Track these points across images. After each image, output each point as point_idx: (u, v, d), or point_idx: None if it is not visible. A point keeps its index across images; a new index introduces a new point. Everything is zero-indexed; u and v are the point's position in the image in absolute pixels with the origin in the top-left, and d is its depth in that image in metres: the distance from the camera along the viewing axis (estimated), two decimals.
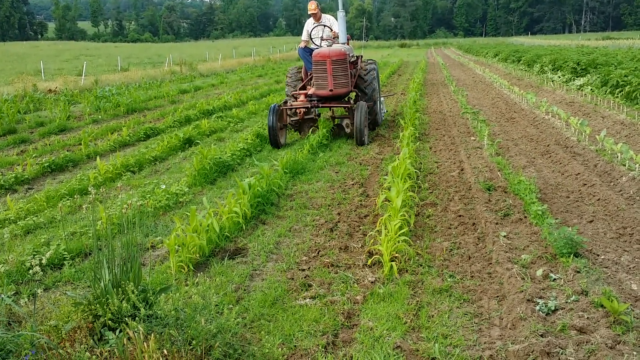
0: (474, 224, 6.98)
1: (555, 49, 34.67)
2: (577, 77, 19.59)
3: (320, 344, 4.34)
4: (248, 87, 26.42)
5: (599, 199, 7.60)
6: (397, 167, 8.10)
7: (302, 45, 13.45)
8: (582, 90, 17.68)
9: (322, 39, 12.87)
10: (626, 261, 5.61)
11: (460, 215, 7.31)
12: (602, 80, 16.72)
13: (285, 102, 12.51)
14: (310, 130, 12.80)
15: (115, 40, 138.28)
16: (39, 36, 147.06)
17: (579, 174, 8.82)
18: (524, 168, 9.40)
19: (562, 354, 3.97)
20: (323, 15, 13.32)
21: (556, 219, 6.71)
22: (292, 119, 12.77)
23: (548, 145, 11.09)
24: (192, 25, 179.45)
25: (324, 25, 13.09)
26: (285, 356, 4.19)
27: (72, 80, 27.72)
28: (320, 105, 12.03)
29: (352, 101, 12.82)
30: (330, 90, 11.79)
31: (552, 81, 20.90)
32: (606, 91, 16.24)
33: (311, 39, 13.26)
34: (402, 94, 21.62)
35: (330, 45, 12.29)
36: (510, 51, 37.84)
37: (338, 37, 12.87)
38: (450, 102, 18.53)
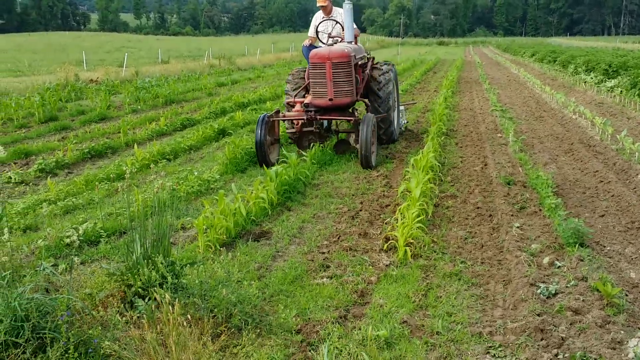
0: (490, 215, 7.27)
1: (590, 51, 34.33)
2: (608, 78, 19.53)
3: (332, 316, 4.69)
4: (284, 81, 26.78)
5: (613, 195, 7.81)
6: (419, 160, 8.40)
7: (306, 43, 11.54)
8: (612, 92, 17.68)
9: (330, 36, 10.96)
10: (630, 252, 5.87)
11: (478, 207, 7.59)
12: (631, 82, 16.70)
13: (277, 112, 10.52)
14: (311, 145, 10.53)
15: (156, 33, 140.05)
16: (82, 27, 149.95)
17: (597, 171, 9.01)
18: (546, 165, 9.61)
19: (554, 330, 4.27)
20: (335, 8, 11.43)
21: (570, 212, 6.96)
22: (288, 131, 11.07)
23: (572, 144, 11.26)
24: (232, 20, 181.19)
25: (335, 21, 11.23)
26: (299, 326, 4.55)
27: (114, 71, 28.49)
28: (319, 117, 10.14)
29: (357, 113, 10.48)
30: (330, 100, 9.90)
31: (585, 82, 20.86)
32: (635, 93, 16.25)
33: (318, 36, 11.38)
34: (435, 91, 21.84)
35: (335, 44, 10.51)
36: (547, 51, 37.59)
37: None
38: (481, 100, 18.69)
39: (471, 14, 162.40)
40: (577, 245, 5.74)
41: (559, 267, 5.44)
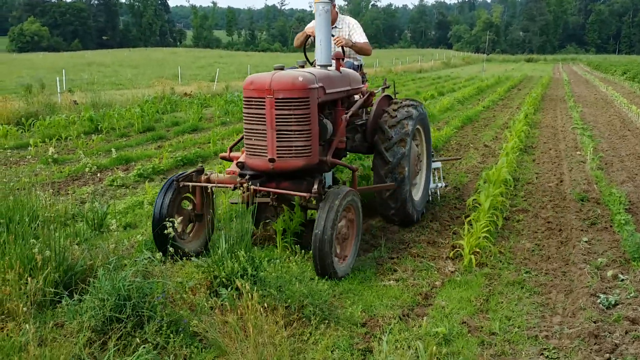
0: (560, 229, 7.44)
1: None
2: None
3: (396, 314, 5.06)
4: None
5: None
6: (492, 174, 8.63)
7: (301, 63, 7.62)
8: None
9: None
10: None
11: (548, 222, 7.77)
12: None
13: (200, 172, 6.45)
14: (268, 226, 6.73)
15: (247, 49, 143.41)
16: (178, 43, 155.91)
17: None
18: (623, 183, 9.61)
19: (608, 337, 4.50)
20: (342, 17, 8.21)
21: None
22: (232, 201, 7.11)
23: None
24: None
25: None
26: (364, 320, 4.95)
27: (205, 85, 29.80)
28: (254, 188, 5.89)
29: (318, 186, 5.72)
30: (271, 161, 5.80)
31: None
32: None
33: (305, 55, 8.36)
34: (517, 108, 21.78)
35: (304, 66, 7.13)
36: (639, 70, 36.49)
37: (358, 51, 8.01)
38: (564, 118, 18.55)
39: (562, 31, 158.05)
40: None
41: (622, 280, 5.61)
